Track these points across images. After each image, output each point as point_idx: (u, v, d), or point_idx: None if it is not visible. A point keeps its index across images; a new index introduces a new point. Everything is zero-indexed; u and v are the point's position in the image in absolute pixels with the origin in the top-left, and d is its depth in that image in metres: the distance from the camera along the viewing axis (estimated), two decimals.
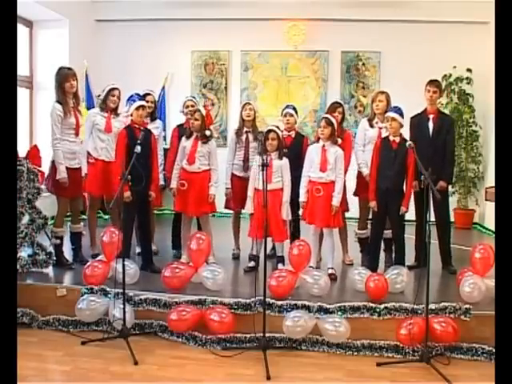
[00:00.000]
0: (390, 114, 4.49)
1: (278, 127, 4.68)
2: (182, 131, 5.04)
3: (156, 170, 4.69)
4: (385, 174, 4.49)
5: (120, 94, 4.98)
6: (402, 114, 4.50)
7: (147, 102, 5.10)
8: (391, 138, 4.53)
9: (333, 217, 4.50)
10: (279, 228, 4.54)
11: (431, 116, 4.85)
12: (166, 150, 5.55)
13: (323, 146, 4.52)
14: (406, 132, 4.91)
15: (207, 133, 4.73)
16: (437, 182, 4.65)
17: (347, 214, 5.08)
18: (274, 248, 4.93)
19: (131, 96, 4.69)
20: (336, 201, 4.49)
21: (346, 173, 4.80)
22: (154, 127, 5.17)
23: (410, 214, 4.84)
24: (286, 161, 4.57)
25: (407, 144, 4.18)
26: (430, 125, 4.83)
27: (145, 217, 4.67)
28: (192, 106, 5.15)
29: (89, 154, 4.88)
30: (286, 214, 4.56)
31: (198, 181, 4.68)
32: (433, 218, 4.62)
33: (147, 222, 4.74)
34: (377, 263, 4.59)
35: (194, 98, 5.54)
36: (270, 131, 4.57)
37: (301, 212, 4.66)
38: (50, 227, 4.66)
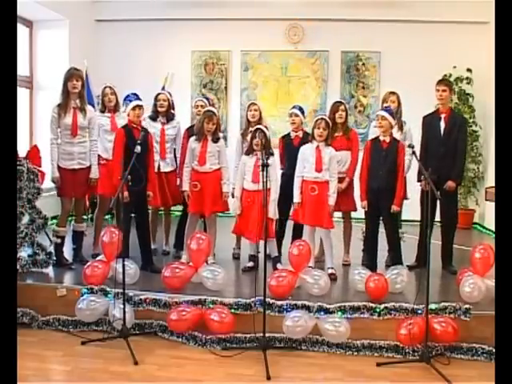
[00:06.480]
0: (381, 113, 4.49)
1: (266, 127, 4.67)
2: (192, 133, 4.93)
3: (152, 171, 4.68)
4: (376, 174, 4.49)
5: (113, 90, 4.99)
6: (392, 114, 4.51)
7: (159, 100, 5.08)
8: (381, 138, 4.53)
9: (327, 217, 4.50)
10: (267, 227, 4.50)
11: (443, 115, 4.80)
12: None
13: (317, 146, 4.52)
14: (416, 131, 4.91)
15: (220, 135, 4.76)
16: (446, 182, 4.66)
17: (354, 214, 5.05)
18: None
19: (127, 96, 4.65)
20: (332, 201, 4.49)
21: (354, 172, 4.80)
22: (171, 127, 5.14)
23: (413, 214, 4.83)
24: (272, 160, 4.53)
25: (408, 146, 4.17)
26: (442, 124, 4.78)
27: (143, 217, 4.67)
28: (202, 106, 5.09)
29: (99, 156, 4.85)
30: (273, 212, 4.54)
31: (211, 180, 4.69)
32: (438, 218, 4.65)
33: (145, 221, 4.73)
34: (375, 262, 4.58)
35: (207, 98, 5.46)
36: (256, 130, 4.57)
37: (292, 212, 4.66)
38: (51, 227, 4.65)
